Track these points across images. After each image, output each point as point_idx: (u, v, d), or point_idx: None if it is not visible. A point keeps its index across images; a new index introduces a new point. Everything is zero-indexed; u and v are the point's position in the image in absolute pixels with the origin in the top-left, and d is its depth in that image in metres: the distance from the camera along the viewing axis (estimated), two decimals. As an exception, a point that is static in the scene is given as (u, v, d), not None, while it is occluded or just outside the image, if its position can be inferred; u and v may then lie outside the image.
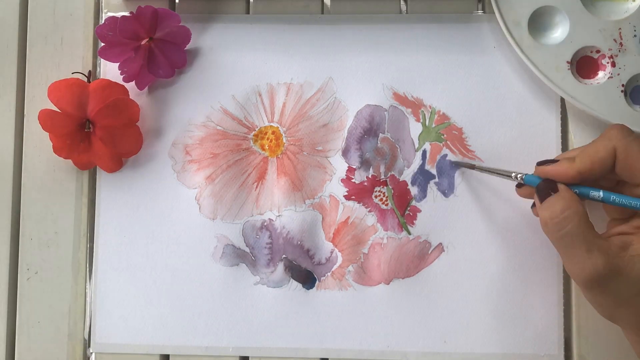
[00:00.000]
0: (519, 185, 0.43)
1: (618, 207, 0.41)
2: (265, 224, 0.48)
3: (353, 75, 0.49)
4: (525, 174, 0.42)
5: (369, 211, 0.48)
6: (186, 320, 0.47)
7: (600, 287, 0.38)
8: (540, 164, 0.41)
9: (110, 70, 0.49)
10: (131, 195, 0.48)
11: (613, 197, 0.40)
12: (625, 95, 0.46)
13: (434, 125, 0.48)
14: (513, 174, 0.43)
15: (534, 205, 0.44)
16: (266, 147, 0.49)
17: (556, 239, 0.39)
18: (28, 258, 0.48)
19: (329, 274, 0.47)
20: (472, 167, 0.46)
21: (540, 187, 0.40)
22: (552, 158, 0.42)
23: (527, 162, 0.47)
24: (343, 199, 0.48)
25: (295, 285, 0.47)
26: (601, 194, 0.40)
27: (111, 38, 0.46)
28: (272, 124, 0.49)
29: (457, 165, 0.47)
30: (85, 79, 0.48)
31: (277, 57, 0.49)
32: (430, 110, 0.48)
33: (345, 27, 0.49)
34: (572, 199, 0.39)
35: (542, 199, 0.40)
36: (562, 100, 0.48)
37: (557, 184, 0.40)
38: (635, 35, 0.46)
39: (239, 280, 0.47)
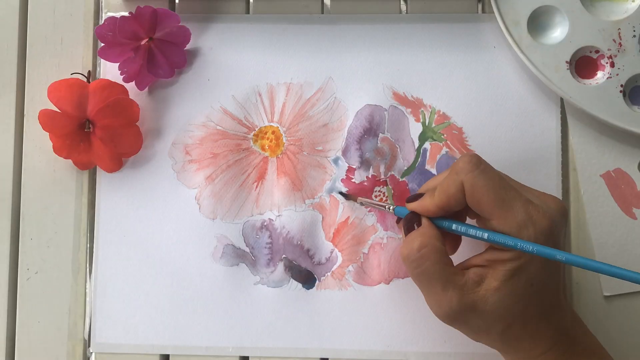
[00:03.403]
0: (397, 220, 0.45)
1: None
2: (265, 224, 0.48)
3: (353, 75, 0.49)
4: (396, 206, 0.43)
5: (369, 211, 0.48)
6: (186, 320, 0.47)
7: (457, 321, 0.39)
8: (408, 200, 0.41)
9: (110, 70, 0.49)
10: (131, 195, 0.48)
11: (462, 228, 0.39)
12: (624, 95, 0.46)
13: (433, 125, 0.48)
14: (386, 207, 0.43)
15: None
16: (266, 147, 0.49)
17: (414, 276, 0.39)
18: (28, 258, 0.48)
19: (329, 273, 0.47)
20: (355, 199, 0.47)
21: (406, 219, 0.40)
22: (418, 192, 0.41)
23: (527, 162, 0.47)
24: (343, 199, 0.48)
25: (295, 285, 0.47)
26: (456, 226, 0.39)
27: (111, 38, 0.46)
28: (272, 123, 0.49)
29: (343, 196, 0.47)
30: (85, 79, 0.48)
31: (277, 57, 0.49)
32: (430, 110, 0.48)
33: (345, 27, 0.49)
34: (431, 235, 0.39)
35: (406, 232, 0.40)
36: (562, 100, 0.48)
37: (421, 217, 0.40)
38: (634, 36, 0.46)
39: (239, 280, 0.47)
